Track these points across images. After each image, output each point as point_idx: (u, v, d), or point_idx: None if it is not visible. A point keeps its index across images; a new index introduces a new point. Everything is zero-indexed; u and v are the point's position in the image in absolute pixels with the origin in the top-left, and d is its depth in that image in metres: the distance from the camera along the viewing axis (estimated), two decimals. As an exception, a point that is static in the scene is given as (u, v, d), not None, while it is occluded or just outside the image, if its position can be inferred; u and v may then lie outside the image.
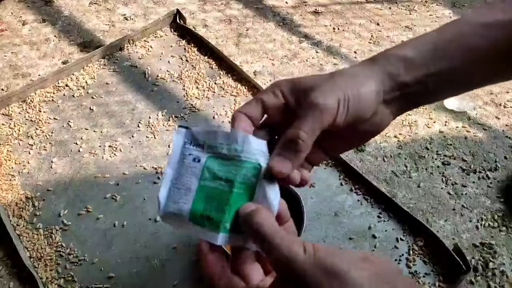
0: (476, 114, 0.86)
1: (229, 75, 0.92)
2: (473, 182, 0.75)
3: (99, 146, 0.80)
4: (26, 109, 0.86)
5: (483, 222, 0.70)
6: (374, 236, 0.67)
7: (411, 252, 0.65)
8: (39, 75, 0.94)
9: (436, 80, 0.33)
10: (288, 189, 0.61)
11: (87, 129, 0.83)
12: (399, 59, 0.33)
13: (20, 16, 1.10)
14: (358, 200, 0.72)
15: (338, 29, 1.06)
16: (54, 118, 0.85)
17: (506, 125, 0.84)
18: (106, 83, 0.91)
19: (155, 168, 0.76)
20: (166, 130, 0.83)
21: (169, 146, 0.80)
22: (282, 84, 0.35)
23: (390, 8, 1.13)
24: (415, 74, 0.33)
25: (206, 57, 0.96)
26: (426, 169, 0.77)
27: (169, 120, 0.84)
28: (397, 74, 0.33)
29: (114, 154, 0.79)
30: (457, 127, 0.84)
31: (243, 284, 0.30)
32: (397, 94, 0.34)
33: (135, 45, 1.00)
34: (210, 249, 0.31)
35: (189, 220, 0.31)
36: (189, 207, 0.31)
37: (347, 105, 0.32)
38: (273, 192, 0.32)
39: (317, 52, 0.99)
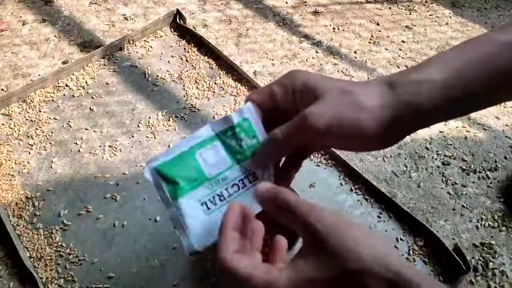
0: (476, 114, 0.86)
1: (229, 75, 0.92)
2: (473, 182, 0.75)
3: (99, 146, 0.80)
4: (26, 109, 0.86)
5: (483, 222, 0.70)
6: (374, 236, 0.67)
7: (411, 252, 0.65)
8: (39, 75, 0.94)
9: (455, 107, 0.32)
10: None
11: (87, 129, 0.83)
12: (422, 85, 0.31)
13: (20, 16, 1.10)
14: (358, 200, 0.72)
15: (338, 29, 1.06)
16: (54, 118, 0.85)
17: (506, 125, 0.84)
18: (106, 83, 0.91)
19: (155, 168, 0.76)
20: (166, 130, 0.83)
21: (169, 146, 0.80)
22: (296, 79, 0.35)
23: (390, 8, 1.13)
24: (437, 104, 0.31)
25: (206, 57, 0.96)
26: (426, 169, 0.77)
27: (169, 120, 0.84)
28: (418, 103, 0.31)
29: (114, 154, 0.79)
30: (457, 127, 0.84)
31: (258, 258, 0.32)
32: (411, 123, 0.32)
33: (135, 45, 1.00)
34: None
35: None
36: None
37: (337, 132, 0.32)
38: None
39: (317, 52, 1.00)
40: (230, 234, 0.30)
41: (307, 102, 0.33)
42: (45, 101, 0.88)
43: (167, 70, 0.94)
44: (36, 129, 0.83)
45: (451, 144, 0.81)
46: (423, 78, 0.31)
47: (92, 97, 0.89)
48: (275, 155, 0.37)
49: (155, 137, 0.81)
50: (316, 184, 0.74)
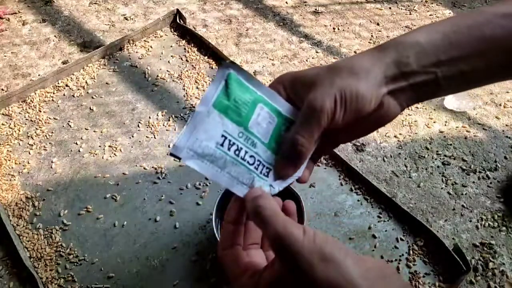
0: (476, 114, 0.86)
1: (229, 75, 0.92)
2: (473, 182, 0.75)
3: (99, 146, 0.80)
4: (26, 109, 0.86)
5: (483, 222, 0.70)
6: (374, 236, 0.67)
7: (411, 252, 0.65)
8: (39, 75, 0.94)
9: (446, 71, 0.31)
10: (288, 189, 0.61)
11: (87, 129, 0.83)
12: (408, 46, 0.31)
13: (20, 16, 1.10)
14: (358, 200, 0.72)
15: (338, 29, 1.06)
16: (54, 118, 0.85)
17: (506, 125, 0.84)
18: (106, 83, 0.91)
19: (155, 168, 0.76)
20: (166, 130, 0.83)
21: (169, 146, 0.80)
22: (285, 79, 0.35)
23: (390, 8, 1.13)
24: (423, 62, 0.31)
25: (206, 57, 0.96)
26: (426, 169, 0.77)
27: (169, 120, 0.84)
28: (405, 63, 0.31)
29: (114, 154, 0.79)
30: (457, 127, 0.84)
31: (248, 260, 0.31)
32: (404, 84, 0.32)
33: (135, 45, 1.00)
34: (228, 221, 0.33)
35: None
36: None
37: (344, 105, 0.31)
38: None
39: (317, 52, 1.00)
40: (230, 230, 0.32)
41: (303, 94, 0.33)
42: (45, 101, 0.88)
43: (167, 70, 0.94)
44: (36, 129, 0.83)
45: (451, 144, 0.81)
46: (410, 40, 0.31)
47: (92, 97, 0.89)
48: (304, 160, 0.35)
49: (155, 137, 0.81)
50: (316, 184, 0.74)
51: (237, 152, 0.33)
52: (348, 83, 0.31)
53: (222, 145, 0.32)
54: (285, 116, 0.35)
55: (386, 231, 0.68)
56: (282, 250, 0.27)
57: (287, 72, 0.35)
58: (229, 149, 0.33)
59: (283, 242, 0.26)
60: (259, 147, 0.34)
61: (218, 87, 0.32)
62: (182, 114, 0.85)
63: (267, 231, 0.28)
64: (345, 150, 0.80)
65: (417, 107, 0.87)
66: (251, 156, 0.34)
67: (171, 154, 0.31)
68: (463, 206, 0.72)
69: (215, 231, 0.57)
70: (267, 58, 0.98)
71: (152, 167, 0.76)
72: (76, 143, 0.80)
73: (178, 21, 1.03)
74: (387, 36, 1.04)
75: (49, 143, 0.81)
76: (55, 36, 1.04)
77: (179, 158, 0.31)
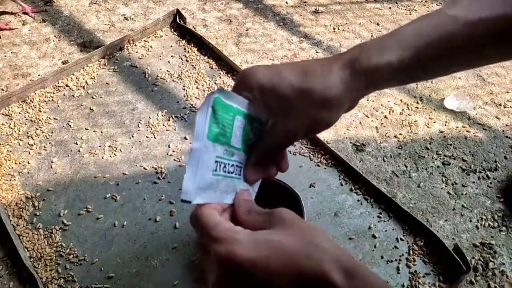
0: (476, 114, 0.86)
1: (229, 75, 0.92)
2: (473, 182, 0.75)
3: (99, 146, 0.80)
4: (26, 109, 0.86)
5: (483, 222, 0.69)
6: (374, 236, 0.67)
7: (411, 252, 0.65)
8: (39, 75, 0.94)
9: (410, 75, 0.34)
10: (288, 189, 0.61)
11: (87, 129, 0.83)
12: (380, 69, 0.33)
13: (20, 16, 1.10)
14: (358, 200, 0.72)
15: (338, 29, 1.06)
16: (54, 118, 0.85)
17: (506, 125, 0.84)
18: (106, 83, 0.91)
19: (155, 168, 0.76)
20: (166, 130, 0.83)
21: (169, 146, 0.80)
22: (254, 87, 0.34)
23: (390, 8, 1.13)
24: (392, 78, 0.34)
25: (206, 57, 0.96)
26: (426, 169, 0.77)
27: (169, 120, 0.84)
28: (375, 83, 0.34)
29: (114, 154, 0.79)
30: (457, 127, 0.84)
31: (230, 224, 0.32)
32: (370, 90, 0.35)
33: (135, 45, 1.00)
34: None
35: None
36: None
37: (313, 131, 0.36)
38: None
39: (317, 52, 1.00)
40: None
41: (273, 109, 0.35)
42: (45, 101, 0.88)
43: (167, 70, 0.94)
44: (36, 129, 0.83)
45: (451, 144, 0.81)
46: (383, 61, 0.32)
47: (92, 97, 0.89)
48: (260, 176, 0.39)
49: (155, 137, 0.81)
50: (316, 184, 0.74)
51: (224, 169, 0.35)
52: (321, 116, 0.34)
53: (216, 170, 0.34)
54: (250, 115, 0.36)
55: (386, 231, 0.68)
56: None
57: (250, 75, 0.35)
58: (220, 170, 0.35)
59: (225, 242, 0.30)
60: (236, 154, 0.36)
61: (207, 117, 0.32)
62: (182, 114, 0.85)
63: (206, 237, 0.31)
64: (345, 150, 0.80)
65: (417, 107, 0.87)
66: (231, 166, 0.36)
67: (183, 201, 0.32)
68: (463, 206, 0.72)
69: None
70: (267, 58, 0.98)
71: (152, 167, 0.76)
72: (76, 143, 0.80)
73: (178, 21, 1.03)
74: (387, 36, 1.04)
75: (49, 143, 0.81)
76: (55, 36, 1.04)
77: (190, 202, 0.32)
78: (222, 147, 0.34)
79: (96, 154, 0.79)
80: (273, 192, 0.55)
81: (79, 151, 0.79)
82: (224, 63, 0.94)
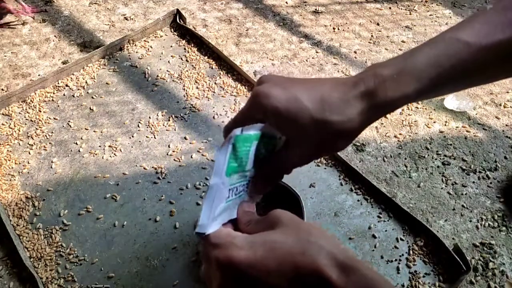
0: (476, 114, 0.86)
1: (229, 75, 0.92)
2: (473, 182, 0.75)
3: (99, 146, 0.80)
4: (26, 109, 0.86)
5: (483, 222, 0.69)
6: (374, 236, 0.67)
7: (411, 252, 0.65)
8: (39, 75, 0.94)
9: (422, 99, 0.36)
10: (288, 189, 0.61)
11: (87, 129, 0.83)
12: (397, 101, 0.34)
13: (20, 16, 1.10)
14: (358, 200, 0.72)
15: (338, 29, 1.06)
16: (54, 118, 0.85)
17: (506, 125, 0.84)
18: (106, 83, 0.91)
19: (155, 168, 0.76)
20: (166, 130, 0.83)
21: (169, 146, 0.80)
22: (266, 109, 0.34)
23: (390, 8, 1.13)
24: (406, 104, 0.35)
25: (206, 57, 0.96)
26: (426, 169, 0.77)
27: (169, 120, 0.84)
28: (390, 111, 0.35)
29: (114, 154, 0.79)
30: (457, 127, 0.84)
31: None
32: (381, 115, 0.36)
33: (135, 45, 1.00)
34: None
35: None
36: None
37: (326, 151, 0.37)
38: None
39: (317, 52, 1.00)
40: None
41: (287, 132, 0.36)
42: (45, 101, 0.88)
43: (167, 70, 0.94)
44: (36, 129, 0.83)
45: (451, 144, 0.81)
46: (400, 95, 0.33)
47: (92, 97, 0.89)
48: (265, 189, 0.41)
49: (155, 137, 0.81)
50: (316, 184, 0.74)
51: (236, 192, 0.36)
52: (337, 144, 0.36)
53: (228, 197, 0.35)
54: (260, 134, 0.36)
55: (386, 231, 0.68)
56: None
57: (266, 97, 0.35)
58: (232, 195, 0.36)
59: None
60: (248, 174, 0.38)
61: (226, 154, 0.33)
62: (182, 114, 0.85)
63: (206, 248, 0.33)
64: (345, 150, 0.80)
65: (417, 107, 0.87)
66: (242, 185, 0.37)
67: (197, 233, 0.33)
68: (463, 206, 0.72)
69: None
70: (267, 58, 0.98)
71: (152, 167, 0.76)
72: (76, 143, 0.80)
73: (178, 21, 1.03)
74: (387, 36, 1.04)
75: (49, 143, 0.81)
76: (55, 36, 1.04)
77: (204, 233, 0.33)
78: (237, 175, 0.36)
79: (96, 154, 0.79)
80: (273, 192, 0.55)
81: (79, 151, 0.79)
82: (224, 63, 0.94)
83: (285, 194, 0.61)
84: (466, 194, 0.73)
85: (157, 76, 0.93)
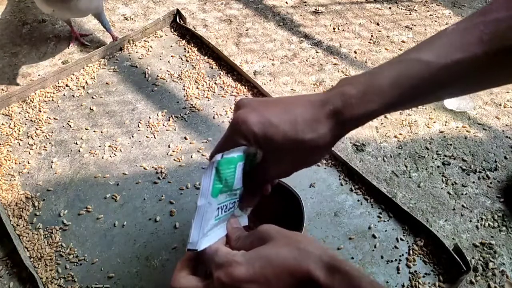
0: (476, 114, 0.86)
1: (229, 75, 0.92)
2: (473, 182, 0.75)
3: (99, 146, 0.80)
4: (26, 109, 0.86)
5: (483, 222, 0.69)
6: (374, 236, 0.67)
7: (411, 252, 0.65)
8: (39, 75, 0.94)
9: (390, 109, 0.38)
10: (288, 189, 0.61)
11: (87, 129, 0.83)
12: (364, 118, 0.36)
13: (20, 16, 1.10)
14: (358, 200, 0.72)
15: (338, 29, 1.06)
16: (54, 118, 0.85)
17: (506, 125, 0.84)
18: (106, 83, 0.91)
19: (155, 168, 0.76)
20: (166, 130, 0.83)
21: (169, 146, 0.80)
22: (247, 134, 0.37)
23: (390, 8, 1.13)
24: (375, 117, 0.37)
25: (206, 57, 0.96)
26: (426, 169, 0.77)
27: (169, 120, 0.84)
28: (359, 125, 0.37)
29: (114, 154, 0.79)
30: (457, 127, 0.84)
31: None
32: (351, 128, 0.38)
33: (135, 45, 1.00)
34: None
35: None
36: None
37: (301, 166, 0.40)
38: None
39: (317, 52, 1.00)
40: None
41: (267, 152, 0.39)
42: (45, 101, 0.88)
43: (167, 70, 0.94)
44: (36, 129, 0.83)
45: (451, 144, 0.81)
46: (365, 111, 0.36)
47: (92, 97, 0.89)
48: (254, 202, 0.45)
49: (155, 137, 0.81)
50: (316, 184, 0.74)
51: (225, 210, 0.40)
52: (311, 159, 0.40)
53: (218, 215, 0.39)
54: (243, 155, 0.40)
55: (386, 231, 0.68)
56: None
57: (244, 123, 0.37)
58: (221, 212, 0.40)
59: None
60: (238, 192, 0.41)
61: (211, 177, 0.37)
62: (182, 114, 0.85)
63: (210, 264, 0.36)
64: (345, 150, 0.80)
65: (417, 107, 0.87)
66: (231, 203, 0.41)
67: (189, 250, 0.37)
68: (463, 206, 0.72)
69: None
70: (267, 58, 0.98)
71: (152, 167, 0.76)
72: (76, 143, 0.80)
73: (178, 21, 1.03)
74: (387, 36, 1.04)
75: (49, 143, 0.81)
76: (55, 36, 1.04)
77: (196, 250, 0.37)
78: (225, 194, 0.39)
79: (96, 154, 0.79)
80: (273, 192, 0.55)
81: (79, 151, 0.79)
82: (224, 63, 0.94)
83: (285, 194, 0.61)
84: (466, 194, 0.73)
85: (157, 76, 0.93)
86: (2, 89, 0.91)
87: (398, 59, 0.36)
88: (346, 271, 0.31)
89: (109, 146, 0.80)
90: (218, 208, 0.39)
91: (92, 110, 0.86)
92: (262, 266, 0.32)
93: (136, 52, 0.98)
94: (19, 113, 0.86)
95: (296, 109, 0.37)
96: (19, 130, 0.82)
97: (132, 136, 0.82)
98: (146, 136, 0.81)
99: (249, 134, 0.37)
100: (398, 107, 0.37)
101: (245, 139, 0.37)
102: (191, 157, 0.78)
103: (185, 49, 0.99)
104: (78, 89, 0.90)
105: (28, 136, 0.82)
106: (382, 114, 0.37)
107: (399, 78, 0.35)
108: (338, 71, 0.95)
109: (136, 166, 0.77)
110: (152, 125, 0.83)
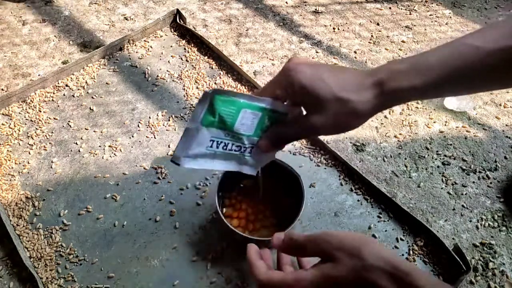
0: (476, 114, 0.86)
1: (229, 75, 0.92)
2: (473, 182, 0.75)
3: (99, 146, 0.80)
4: (26, 109, 0.86)
5: (483, 222, 0.69)
6: (374, 236, 0.67)
7: (411, 252, 0.65)
8: (39, 75, 0.94)
9: (432, 92, 0.39)
10: (288, 169, 0.64)
11: (87, 129, 0.83)
12: (405, 91, 0.38)
13: (20, 16, 1.10)
14: (358, 200, 0.72)
15: (338, 29, 1.06)
16: (54, 118, 0.85)
17: (506, 125, 0.84)
18: (106, 83, 0.91)
19: (155, 168, 0.76)
20: (166, 130, 0.83)
21: (169, 146, 0.80)
22: (293, 81, 0.40)
23: (390, 8, 1.13)
24: (415, 97, 0.39)
25: (206, 57, 0.96)
26: (426, 169, 0.77)
27: (169, 120, 0.84)
28: (400, 100, 0.39)
29: (114, 154, 0.79)
30: (457, 127, 0.84)
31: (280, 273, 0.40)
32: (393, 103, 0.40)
33: (135, 45, 1.00)
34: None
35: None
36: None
37: (336, 127, 0.41)
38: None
39: (317, 52, 1.00)
40: (259, 263, 0.42)
41: (309, 105, 0.42)
42: (45, 101, 0.88)
43: (167, 70, 0.94)
44: (36, 129, 0.83)
45: (451, 144, 0.81)
46: (408, 85, 0.38)
47: (92, 97, 0.89)
48: (280, 146, 0.47)
49: (155, 137, 0.81)
50: (316, 184, 0.74)
51: (225, 147, 0.45)
52: (349, 121, 0.41)
53: (211, 146, 0.44)
54: (269, 109, 0.44)
55: (386, 231, 0.68)
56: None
57: (295, 71, 0.40)
58: (217, 147, 0.45)
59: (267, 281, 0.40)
60: (244, 139, 0.45)
61: (204, 107, 0.42)
62: (182, 114, 0.85)
63: (312, 252, 0.39)
64: (345, 150, 0.80)
65: (417, 107, 0.87)
66: (237, 146, 0.45)
67: (172, 161, 0.44)
68: (463, 206, 0.72)
69: (217, 208, 0.60)
70: (267, 58, 0.98)
71: (152, 167, 0.76)
72: (76, 143, 0.80)
73: (178, 21, 1.03)
74: (387, 36, 1.04)
75: (49, 143, 0.81)
76: (55, 36, 1.04)
77: (178, 164, 0.44)
78: (222, 131, 0.44)
79: (96, 154, 0.79)
80: (275, 171, 0.62)
81: (79, 151, 0.79)
82: (224, 63, 0.94)
83: (286, 174, 0.64)
84: (466, 194, 0.73)
85: (157, 76, 0.93)
86: (2, 89, 0.91)
87: (446, 44, 0.38)
88: (410, 283, 0.32)
89: (109, 146, 0.80)
90: (213, 140, 0.44)
91: (92, 110, 0.86)
92: None
93: (136, 52, 0.98)
94: (19, 113, 0.86)
95: (345, 74, 0.40)
96: (19, 130, 0.82)
97: (132, 136, 0.82)
98: (146, 136, 0.81)
99: (297, 82, 0.39)
100: (439, 90, 0.38)
101: (292, 85, 0.40)
102: (191, 157, 0.78)
103: (185, 49, 0.99)
104: (78, 89, 0.90)
105: (28, 136, 0.82)
106: (421, 97, 0.39)
107: (448, 58, 0.36)
108: (338, 71, 0.95)
109: (136, 166, 0.77)
110: (152, 125, 0.83)
